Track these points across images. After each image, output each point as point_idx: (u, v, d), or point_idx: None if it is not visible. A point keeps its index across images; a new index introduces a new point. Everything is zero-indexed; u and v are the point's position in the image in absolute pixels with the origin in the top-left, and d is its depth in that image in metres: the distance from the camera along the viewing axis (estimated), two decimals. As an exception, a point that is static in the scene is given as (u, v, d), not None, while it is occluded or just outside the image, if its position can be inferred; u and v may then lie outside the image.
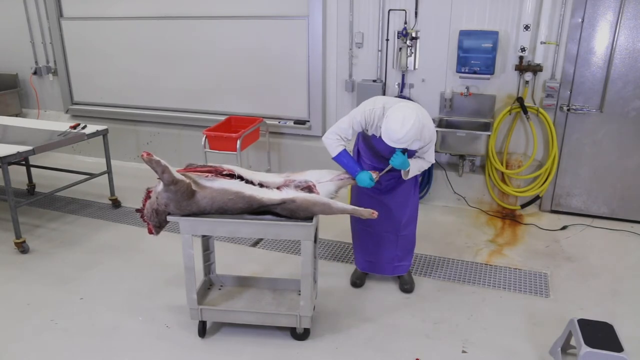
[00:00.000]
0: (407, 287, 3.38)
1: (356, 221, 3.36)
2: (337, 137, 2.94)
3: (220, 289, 3.13)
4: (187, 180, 2.60)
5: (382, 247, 3.33)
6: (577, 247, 4.00)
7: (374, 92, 4.70)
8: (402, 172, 2.99)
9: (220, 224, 2.69)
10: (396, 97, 4.71)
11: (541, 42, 4.16)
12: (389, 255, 3.34)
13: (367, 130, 2.97)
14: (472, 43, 4.24)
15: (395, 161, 2.84)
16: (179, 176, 2.58)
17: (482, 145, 4.35)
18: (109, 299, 3.32)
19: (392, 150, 2.82)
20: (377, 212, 2.75)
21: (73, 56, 5.98)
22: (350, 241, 4.10)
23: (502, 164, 4.50)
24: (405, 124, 2.60)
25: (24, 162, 5.00)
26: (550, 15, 4.11)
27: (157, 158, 2.51)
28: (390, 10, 4.57)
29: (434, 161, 3.07)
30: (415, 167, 3.00)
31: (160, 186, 2.63)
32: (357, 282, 3.45)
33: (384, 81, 4.76)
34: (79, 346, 2.88)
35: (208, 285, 3.15)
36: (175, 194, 2.58)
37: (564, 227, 4.32)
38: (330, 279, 3.50)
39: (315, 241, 2.83)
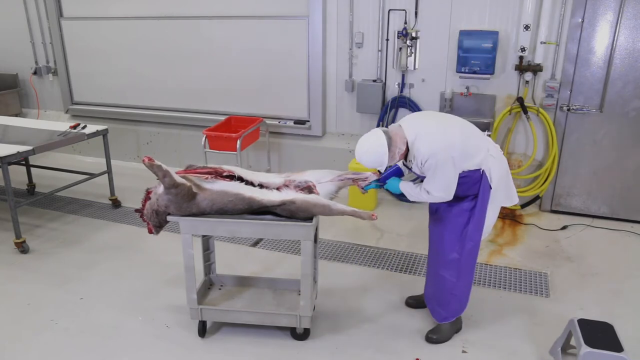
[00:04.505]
0: (432, 337, 2.89)
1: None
2: None
3: (220, 289, 3.13)
4: (188, 184, 2.60)
5: (429, 275, 2.99)
6: (577, 247, 4.00)
7: (374, 92, 4.71)
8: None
9: (220, 224, 2.69)
10: (396, 96, 4.72)
11: (541, 42, 4.16)
12: (430, 289, 2.98)
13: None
14: (472, 43, 4.23)
15: (388, 185, 2.78)
16: (179, 180, 2.58)
17: (482, 145, 4.35)
18: (109, 299, 3.33)
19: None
20: (377, 215, 2.72)
21: (73, 56, 5.98)
22: (350, 241, 4.11)
23: (502, 164, 4.50)
24: (359, 149, 2.57)
25: (24, 162, 5.00)
26: (550, 15, 4.11)
27: (159, 163, 2.51)
28: (390, 10, 4.57)
29: (434, 193, 2.55)
30: (411, 192, 2.67)
31: (160, 188, 2.63)
32: (411, 301, 3.21)
33: (384, 81, 4.76)
34: (79, 346, 2.88)
35: (208, 285, 3.15)
36: (176, 196, 2.58)
37: (564, 227, 4.32)
38: (330, 279, 3.50)
39: (315, 241, 2.83)
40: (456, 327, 2.95)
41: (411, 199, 2.72)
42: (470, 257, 2.77)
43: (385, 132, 2.55)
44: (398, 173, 2.84)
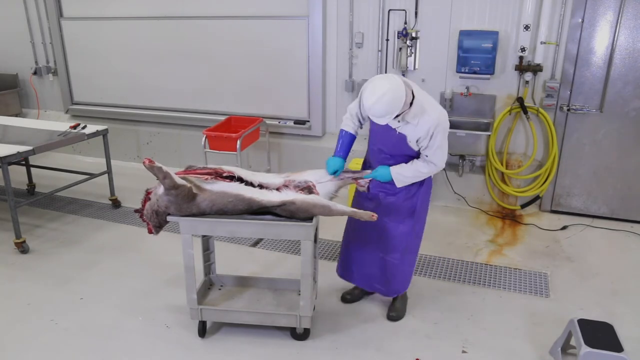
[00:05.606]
0: (392, 314, 3.09)
1: (349, 222, 3.14)
2: (349, 115, 2.88)
3: (220, 289, 3.13)
4: (188, 185, 2.60)
5: (364, 259, 3.06)
6: (577, 247, 4.00)
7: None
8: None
9: (220, 224, 2.69)
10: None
11: (541, 42, 4.16)
12: (369, 271, 3.06)
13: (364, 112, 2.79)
14: (472, 43, 4.24)
15: (377, 173, 2.79)
16: (180, 181, 2.57)
17: (482, 145, 4.35)
18: (109, 299, 3.33)
19: (380, 135, 2.77)
20: (376, 215, 2.71)
21: (73, 56, 5.98)
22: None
23: (502, 164, 4.50)
24: (376, 92, 2.40)
25: (24, 162, 5.00)
26: (550, 15, 4.11)
27: (159, 165, 2.51)
28: (390, 10, 4.57)
29: (441, 164, 2.68)
30: (407, 173, 2.71)
31: (160, 189, 2.63)
32: (348, 297, 3.27)
33: (384, 81, 4.76)
34: (79, 346, 2.89)
35: (208, 285, 3.15)
36: (176, 197, 2.58)
37: (564, 227, 4.32)
38: (330, 279, 3.49)
39: (315, 241, 2.83)
40: (405, 299, 3.18)
41: (401, 184, 2.75)
42: (418, 239, 3.01)
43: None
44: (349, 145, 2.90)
